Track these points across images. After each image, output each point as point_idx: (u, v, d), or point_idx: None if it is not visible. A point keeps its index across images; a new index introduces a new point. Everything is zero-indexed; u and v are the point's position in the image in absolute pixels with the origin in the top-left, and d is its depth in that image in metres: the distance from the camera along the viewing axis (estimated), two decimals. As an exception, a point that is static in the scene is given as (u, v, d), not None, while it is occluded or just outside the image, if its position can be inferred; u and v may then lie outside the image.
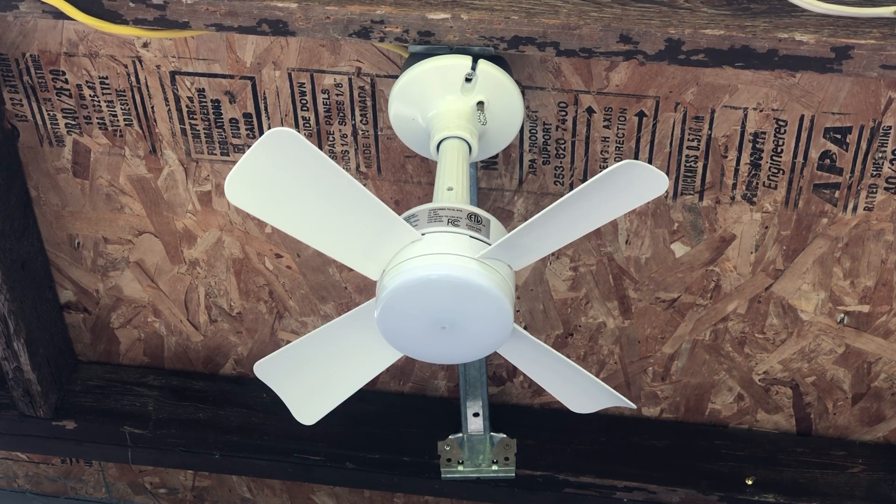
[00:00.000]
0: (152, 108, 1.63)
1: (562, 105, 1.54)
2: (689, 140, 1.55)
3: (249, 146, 1.24)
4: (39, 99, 1.65)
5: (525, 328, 1.76)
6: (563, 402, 1.48)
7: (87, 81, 1.62)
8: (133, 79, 1.60)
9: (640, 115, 1.53)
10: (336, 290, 1.81)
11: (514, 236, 1.24)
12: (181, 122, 1.64)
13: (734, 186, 1.58)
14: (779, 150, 1.54)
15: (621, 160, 1.28)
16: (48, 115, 1.67)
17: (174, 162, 1.69)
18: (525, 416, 1.92)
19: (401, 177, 1.65)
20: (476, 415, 1.80)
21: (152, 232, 1.79)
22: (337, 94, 1.57)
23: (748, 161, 1.56)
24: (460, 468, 1.85)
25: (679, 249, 1.67)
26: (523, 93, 1.50)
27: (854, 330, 1.72)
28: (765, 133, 1.52)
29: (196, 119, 1.63)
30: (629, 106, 1.53)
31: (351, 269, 1.33)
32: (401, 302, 1.26)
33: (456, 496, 1.99)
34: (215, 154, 1.67)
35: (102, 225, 1.79)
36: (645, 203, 1.24)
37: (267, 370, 1.43)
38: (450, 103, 1.40)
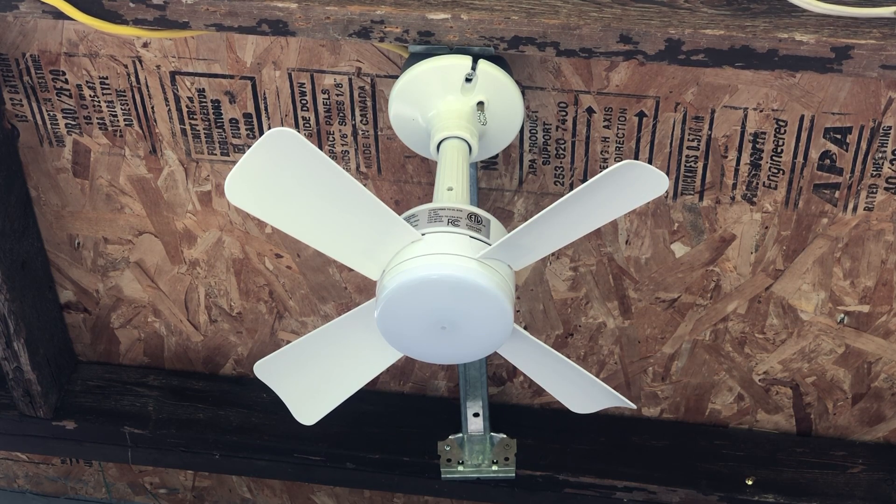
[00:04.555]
0: (152, 108, 1.63)
1: (562, 105, 1.54)
2: (689, 140, 1.55)
3: (249, 146, 1.24)
4: (39, 99, 1.65)
5: (525, 328, 1.76)
6: (563, 402, 1.48)
7: (87, 81, 1.62)
8: (133, 79, 1.60)
9: (641, 115, 1.53)
10: (336, 290, 1.81)
11: (514, 236, 1.24)
12: (181, 122, 1.64)
13: (734, 186, 1.58)
14: (779, 150, 1.54)
15: (621, 160, 1.28)
16: (48, 115, 1.67)
17: (174, 162, 1.69)
18: (525, 416, 1.92)
19: (401, 177, 1.65)
20: (476, 415, 1.80)
21: (152, 232, 1.79)
22: (337, 94, 1.57)
23: (748, 161, 1.56)
24: (460, 468, 1.85)
25: (679, 249, 1.67)
26: (523, 93, 1.50)
27: (854, 330, 1.72)
28: (765, 133, 1.53)
29: (196, 119, 1.63)
30: (629, 106, 1.53)
31: (351, 269, 1.33)
32: (401, 302, 1.26)
33: (456, 496, 1.99)
34: (215, 154, 1.67)
35: (102, 225, 1.79)
36: (645, 203, 1.24)
37: (267, 370, 1.44)
38: (450, 103, 1.40)
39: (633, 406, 1.47)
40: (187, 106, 1.62)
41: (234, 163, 1.53)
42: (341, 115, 1.60)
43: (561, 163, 1.60)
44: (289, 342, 1.43)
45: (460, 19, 1.34)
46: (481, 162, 1.61)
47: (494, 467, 1.85)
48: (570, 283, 1.74)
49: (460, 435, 1.84)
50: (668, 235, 1.66)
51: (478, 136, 1.41)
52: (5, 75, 1.63)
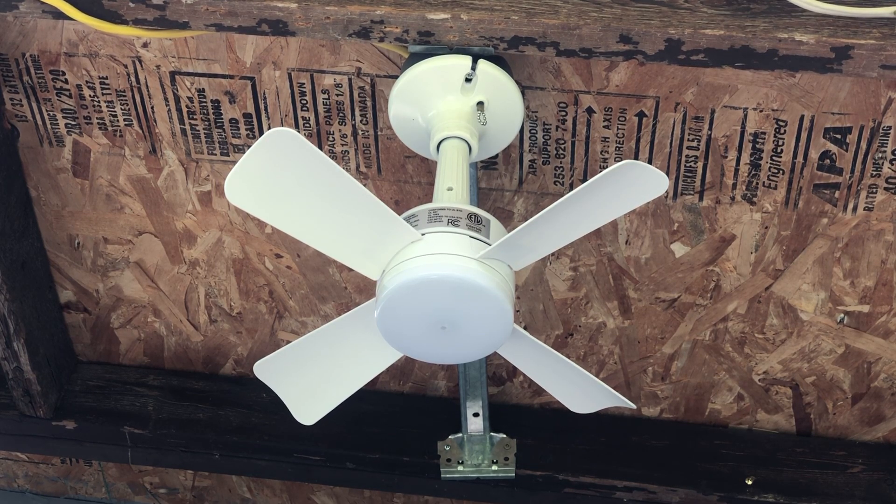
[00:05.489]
0: (152, 108, 1.63)
1: (562, 105, 1.54)
2: (689, 140, 1.55)
3: (249, 146, 1.24)
4: (39, 99, 1.65)
5: (525, 328, 1.76)
6: (563, 402, 1.48)
7: (87, 81, 1.62)
8: (133, 79, 1.60)
9: (640, 115, 1.53)
10: (336, 290, 1.81)
11: (514, 236, 1.24)
12: (181, 122, 1.64)
13: (734, 186, 1.58)
14: (779, 150, 1.54)
15: (621, 160, 1.28)
16: (48, 115, 1.67)
17: (174, 162, 1.69)
18: (525, 416, 1.92)
19: (401, 177, 1.65)
20: (476, 415, 1.80)
21: (152, 232, 1.79)
22: (337, 94, 1.57)
23: (748, 161, 1.56)
24: (460, 468, 1.85)
25: (679, 249, 1.67)
26: (523, 93, 1.50)
27: (854, 330, 1.72)
28: (765, 133, 1.53)
29: (196, 119, 1.63)
30: (629, 106, 1.53)
31: (351, 269, 1.33)
32: (401, 302, 1.26)
33: (456, 496, 1.99)
34: (215, 154, 1.67)
35: (102, 225, 1.79)
36: (645, 203, 1.24)
37: (267, 370, 1.44)
38: (450, 103, 1.40)
39: (633, 406, 1.47)
40: (187, 106, 1.62)
41: (234, 163, 1.53)
42: (341, 115, 1.60)
43: (561, 163, 1.60)
44: (289, 342, 1.43)
45: (460, 19, 1.34)
46: (481, 162, 1.61)
47: (494, 467, 1.85)
48: (570, 283, 1.74)
49: (460, 435, 1.84)
50: (668, 235, 1.66)
51: (478, 136, 1.41)
52: (5, 75, 1.63)
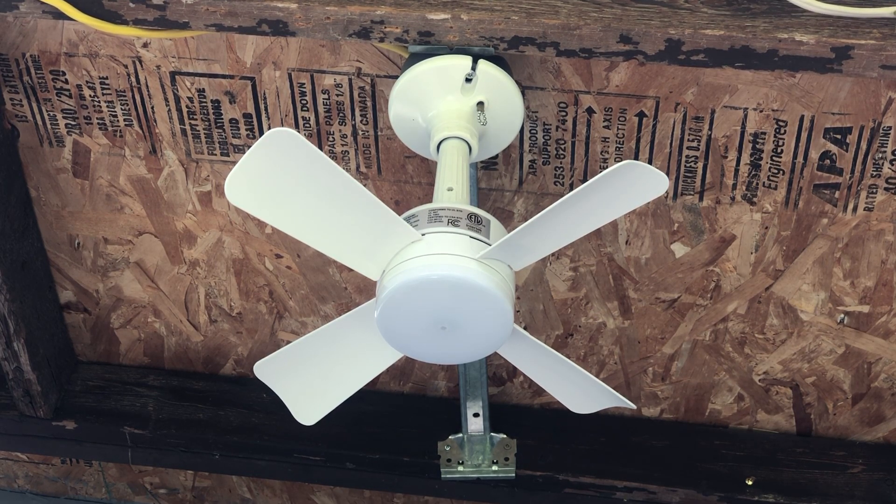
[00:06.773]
0: (152, 108, 1.63)
1: (562, 105, 1.54)
2: (689, 140, 1.55)
3: (249, 146, 1.24)
4: (39, 99, 1.65)
5: (525, 328, 1.76)
6: (563, 402, 1.48)
7: (87, 81, 1.62)
8: (133, 79, 1.60)
9: (641, 115, 1.53)
10: (336, 290, 1.81)
11: (514, 236, 1.24)
12: (181, 122, 1.64)
13: (734, 187, 1.58)
14: (779, 150, 1.54)
15: (621, 160, 1.28)
16: (48, 115, 1.67)
17: (174, 162, 1.69)
18: (525, 416, 1.92)
19: (401, 177, 1.65)
20: (476, 415, 1.80)
21: (152, 232, 1.79)
22: (337, 95, 1.57)
23: (748, 161, 1.56)
24: (460, 468, 1.85)
25: (679, 250, 1.67)
26: (523, 93, 1.50)
27: (854, 330, 1.72)
28: (765, 133, 1.53)
29: (196, 119, 1.63)
30: (629, 106, 1.53)
31: (351, 269, 1.33)
32: (401, 302, 1.26)
33: (456, 496, 1.99)
34: (215, 154, 1.67)
35: (102, 225, 1.79)
36: (645, 203, 1.24)
37: (267, 370, 1.44)
38: (450, 103, 1.41)
39: (633, 406, 1.47)
40: (187, 106, 1.62)
41: (234, 163, 1.53)
42: (341, 115, 1.60)
43: (561, 163, 1.60)
44: (289, 342, 1.43)
45: (460, 19, 1.34)
46: (481, 162, 1.61)
47: (494, 467, 1.85)
48: (570, 283, 1.74)
49: (460, 435, 1.84)
50: (668, 235, 1.66)
51: (478, 136, 1.41)
52: (5, 75, 1.63)
